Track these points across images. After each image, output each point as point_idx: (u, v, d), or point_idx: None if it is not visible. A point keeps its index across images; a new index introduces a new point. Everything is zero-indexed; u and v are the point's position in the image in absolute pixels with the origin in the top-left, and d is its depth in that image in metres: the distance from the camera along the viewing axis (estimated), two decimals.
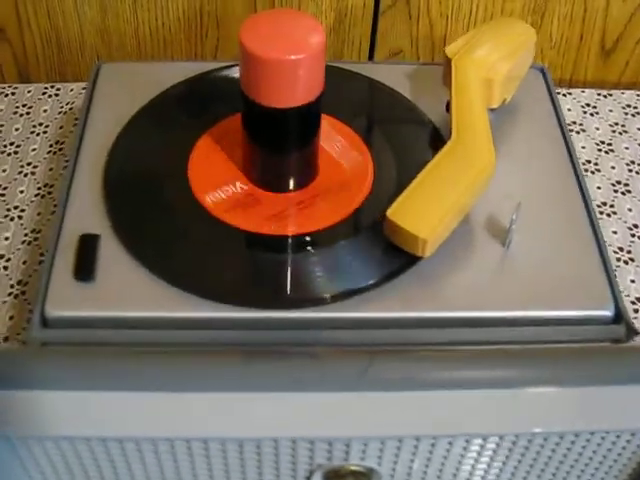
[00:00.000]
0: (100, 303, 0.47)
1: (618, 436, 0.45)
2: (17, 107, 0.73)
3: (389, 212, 0.48)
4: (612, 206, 0.66)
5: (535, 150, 0.57)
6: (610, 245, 0.63)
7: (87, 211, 0.51)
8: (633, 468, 0.48)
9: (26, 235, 0.63)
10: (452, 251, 0.50)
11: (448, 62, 0.55)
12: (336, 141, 0.56)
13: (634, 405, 0.43)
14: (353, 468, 0.44)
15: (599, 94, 0.76)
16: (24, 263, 0.61)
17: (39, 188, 0.66)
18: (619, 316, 0.48)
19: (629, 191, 0.68)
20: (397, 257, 0.49)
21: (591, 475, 0.48)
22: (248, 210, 0.51)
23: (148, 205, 0.52)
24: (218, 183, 0.53)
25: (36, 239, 0.62)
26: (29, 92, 0.74)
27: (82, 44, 0.76)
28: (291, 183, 0.52)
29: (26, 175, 0.67)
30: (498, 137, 0.52)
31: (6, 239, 0.62)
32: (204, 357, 0.41)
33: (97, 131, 0.56)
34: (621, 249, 0.63)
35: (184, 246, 0.50)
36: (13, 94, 0.74)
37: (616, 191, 0.68)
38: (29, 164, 0.68)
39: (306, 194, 0.52)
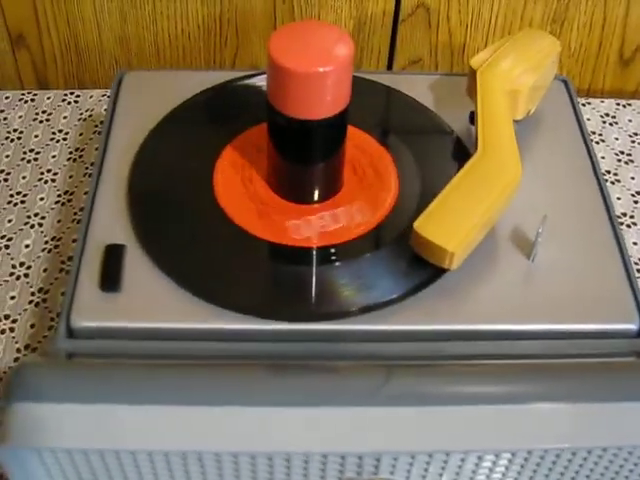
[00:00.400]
0: (126, 314, 0.47)
1: None
2: (37, 114, 0.72)
3: (416, 224, 0.48)
4: (632, 217, 0.66)
5: (558, 161, 0.57)
6: (631, 256, 0.63)
7: (112, 221, 0.51)
8: None
9: (46, 243, 0.63)
10: (477, 263, 0.50)
11: (473, 74, 0.55)
12: (360, 152, 0.56)
13: None
14: None
15: (618, 104, 0.75)
16: (44, 271, 0.61)
17: (59, 195, 0.66)
18: None
19: None
20: (422, 270, 0.49)
21: None
22: (273, 221, 0.51)
23: (173, 215, 0.52)
24: (243, 194, 0.53)
25: (56, 247, 0.62)
26: (48, 99, 0.74)
27: (101, 51, 0.76)
28: (316, 194, 0.52)
29: (46, 182, 0.67)
30: (521, 147, 0.52)
31: (26, 247, 0.62)
32: (236, 371, 0.41)
33: (121, 140, 0.56)
34: None
35: (209, 256, 0.50)
36: (32, 100, 0.74)
37: (636, 202, 0.68)
38: (49, 171, 0.68)
39: (331, 206, 0.52)
